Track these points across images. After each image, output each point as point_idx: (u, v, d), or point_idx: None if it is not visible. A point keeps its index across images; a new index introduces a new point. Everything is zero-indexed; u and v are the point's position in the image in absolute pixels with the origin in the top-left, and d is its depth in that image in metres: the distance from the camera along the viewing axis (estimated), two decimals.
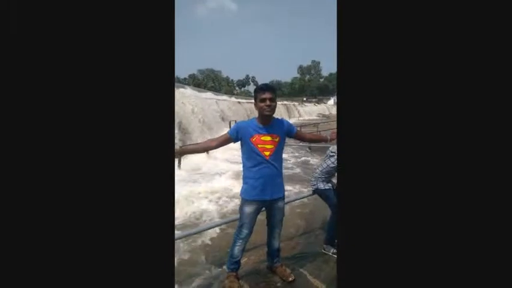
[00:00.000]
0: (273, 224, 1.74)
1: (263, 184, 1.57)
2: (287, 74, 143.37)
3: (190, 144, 1.58)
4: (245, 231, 1.67)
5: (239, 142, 1.60)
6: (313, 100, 46.52)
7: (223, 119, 13.17)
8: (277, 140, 1.57)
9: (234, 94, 39.60)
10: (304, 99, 48.57)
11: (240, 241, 1.70)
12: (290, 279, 1.75)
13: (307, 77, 68.46)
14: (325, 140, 1.93)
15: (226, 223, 2.12)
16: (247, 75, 78.47)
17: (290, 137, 1.70)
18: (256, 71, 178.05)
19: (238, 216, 1.72)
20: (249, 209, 1.63)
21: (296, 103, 35.96)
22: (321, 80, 68.58)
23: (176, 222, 3.04)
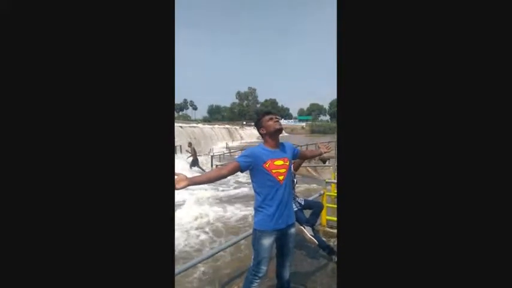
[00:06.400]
0: (285, 252, 1.61)
1: (279, 211, 1.49)
2: (226, 99, 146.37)
3: (196, 176, 1.40)
4: (263, 267, 1.51)
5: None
6: (252, 124, 48.28)
7: None
8: (287, 163, 1.54)
9: None
10: (244, 123, 50.13)
11: (258, 280, 1.55)
12: None
13: (245, 102, 71.50)
14: (319, 154, 1.97)
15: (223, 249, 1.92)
16: (185, 99, 77.20)
17: (294, 158, 1.68)
18: (194, 95, 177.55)
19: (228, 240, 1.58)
20: (267, 241, 1.49)
21: (237, 127, 36.79)
22: (258, 105, 72.42)
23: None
